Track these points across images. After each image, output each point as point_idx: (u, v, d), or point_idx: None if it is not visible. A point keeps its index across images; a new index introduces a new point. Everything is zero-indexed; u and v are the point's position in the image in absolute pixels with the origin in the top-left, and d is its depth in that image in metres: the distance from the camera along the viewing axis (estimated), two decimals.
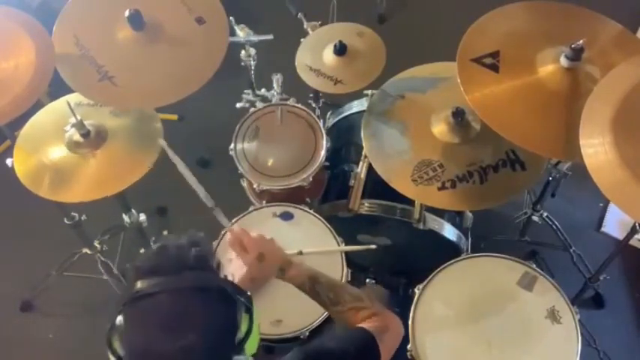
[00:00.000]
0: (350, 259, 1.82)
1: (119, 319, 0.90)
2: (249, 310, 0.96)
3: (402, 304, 1.37)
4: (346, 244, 1.82)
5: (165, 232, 2.55)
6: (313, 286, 1.26)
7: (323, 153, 2.05)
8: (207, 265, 0.96)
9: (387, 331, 1.19)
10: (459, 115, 1.80)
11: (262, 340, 1.33)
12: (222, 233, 1.79)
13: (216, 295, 0.92)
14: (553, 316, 1.63)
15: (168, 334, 0.87)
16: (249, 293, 0.99)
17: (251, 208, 1.93)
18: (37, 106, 1.85)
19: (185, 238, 0.97)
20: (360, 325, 1.19)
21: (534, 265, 1.73)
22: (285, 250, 1.37)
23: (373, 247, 1.70)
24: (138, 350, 0.89)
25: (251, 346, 0.96)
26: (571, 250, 2.37)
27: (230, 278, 1.01)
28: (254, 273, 1.30)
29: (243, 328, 0.95)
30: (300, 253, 1.60)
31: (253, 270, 1.30)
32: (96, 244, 2.26)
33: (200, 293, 0.91)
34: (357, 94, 2.12)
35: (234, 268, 1.32)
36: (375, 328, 1.17)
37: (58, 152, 1.75)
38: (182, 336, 0.87)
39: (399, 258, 2.16)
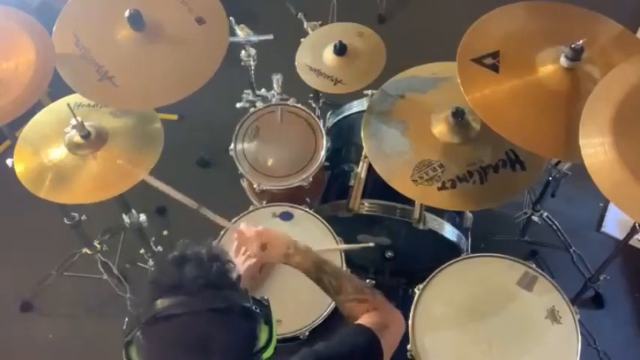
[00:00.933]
0: (350, 259, 1.82)
1: (137, 334, 0.90)
2: (269, 322, 0.96)
3: (402, 304, 1.37)
4: (346, 244, 1.82)
5: (165, 232, 2.56)
6: (318, 273, 1.27)
7: (323, 153, 2.05)
8: (228, 281, 0.94)
9: (388, 327, 1.19)
10: (459, 115, 1.80)
11: None
12: (222, 233, 1.79)
13: (237, 314, 0.91)
14: (553, 316, 1.63)
15: (190, 357, 0.87)
16: (267, 297, 0.99)
17: (251, 208, 1.94)
18: (38, 107, 1.85)
19: (204, 250, 0.95)
20: (361, 320, 1.20)
21: (534, 265, 1.73)
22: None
23: (371, 244, 1.68)
24: None
25: (268, 352, 0.96)
26: (571, 250, 2.37)
27: None
28: (260, 261, 1.34)
29: (263, 337, 0.95)
30: None
31: (259, 259, 1.33)
32: (96, 244, 2.26)
33: (222, 315, 0.89)
34: (357, 94, 2.12)
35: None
36: (375, 325, 1.17)
37: (58, 153, 1.74)
38: (204, 358, 0.87)
39: (398, 258, 2.16)
